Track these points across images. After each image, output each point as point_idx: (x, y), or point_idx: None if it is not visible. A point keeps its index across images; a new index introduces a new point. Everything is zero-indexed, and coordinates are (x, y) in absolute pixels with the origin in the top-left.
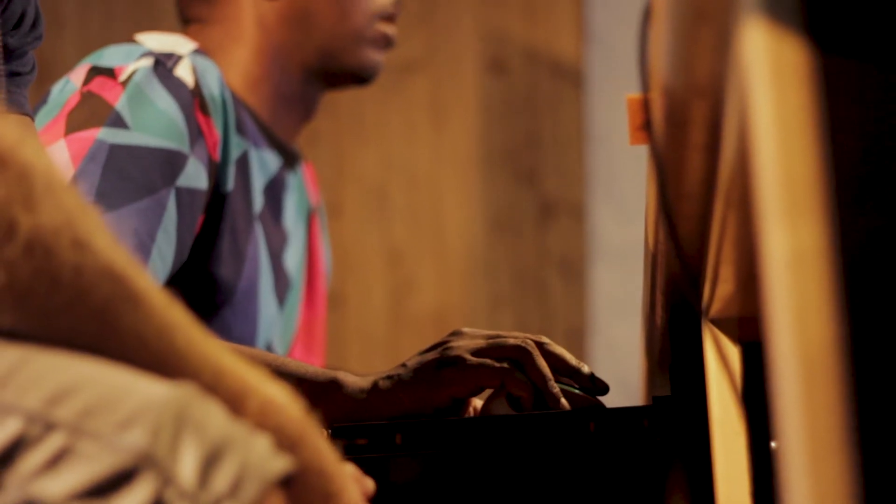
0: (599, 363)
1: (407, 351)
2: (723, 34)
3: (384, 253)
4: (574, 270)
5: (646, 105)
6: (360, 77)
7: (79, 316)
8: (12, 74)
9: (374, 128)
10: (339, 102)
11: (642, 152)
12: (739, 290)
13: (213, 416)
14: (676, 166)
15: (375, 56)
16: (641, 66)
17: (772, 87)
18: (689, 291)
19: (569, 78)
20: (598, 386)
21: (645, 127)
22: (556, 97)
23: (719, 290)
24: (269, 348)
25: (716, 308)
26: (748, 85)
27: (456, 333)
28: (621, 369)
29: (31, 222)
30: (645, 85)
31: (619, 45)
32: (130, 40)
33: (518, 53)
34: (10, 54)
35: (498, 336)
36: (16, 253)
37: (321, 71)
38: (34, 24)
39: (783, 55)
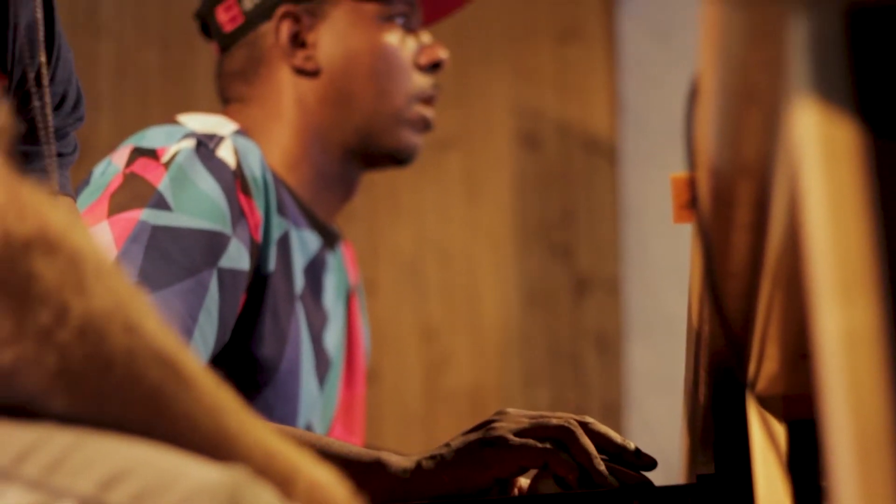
0: (636, 439)
1: (442, 427)
2: (771, 114)
3: (419, 329)
4: (609, 345)
5: (691, 184)
6: (398, 159)
7: (130, 399)
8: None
9: (408, 204)
10: (374, 178)
11: (677, 227)
12: (786, 368)
13: (265, 498)
14: (722, 245)
15: (414, 138)
16: (687, 144)
17: (823, 168)
18: (734, 369)
19: (602, 152)
20: (644, 461)
21: (690, 205)
22: (589, 171)
23: (765, 368)
24: (309, 428)
25: (761, 386)
26: (799, 165)
27: (499, 414)
28: (658, 445)
29: (82, 307)
30: (690, 163)
31: (653, 119)
32: (172, 121)
33: (551, 128)
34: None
35: (541, 416)
36: (68, 337)
37: (360, 152)
38: (76, 105)
39: (834, 135)
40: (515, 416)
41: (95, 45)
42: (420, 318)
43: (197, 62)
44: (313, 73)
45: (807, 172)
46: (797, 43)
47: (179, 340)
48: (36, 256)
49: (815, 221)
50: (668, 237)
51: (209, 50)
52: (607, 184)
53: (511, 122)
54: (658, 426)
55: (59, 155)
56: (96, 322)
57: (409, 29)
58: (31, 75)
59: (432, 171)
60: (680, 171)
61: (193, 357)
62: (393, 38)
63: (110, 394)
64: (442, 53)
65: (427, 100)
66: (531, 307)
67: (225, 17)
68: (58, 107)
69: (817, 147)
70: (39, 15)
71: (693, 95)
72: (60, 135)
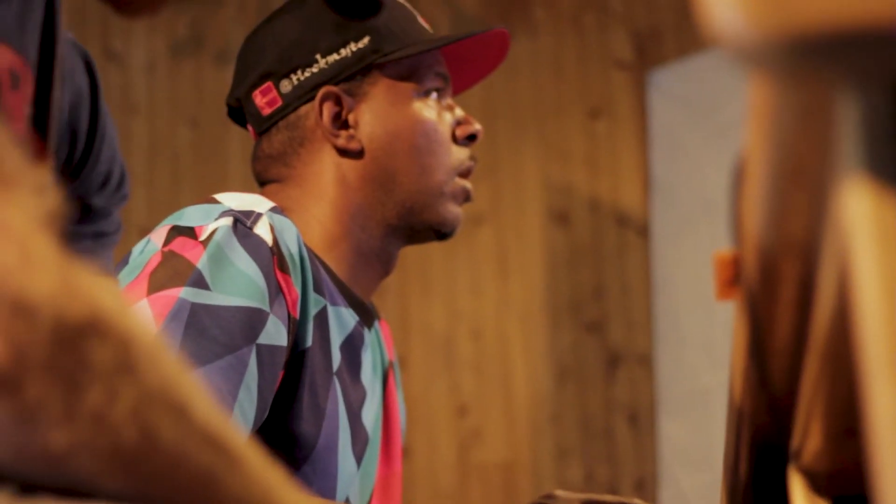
0: None
1: (474, 502)
2: (820, 192)
3: (451, 404)
4: (642, 420)
5: (735, 261)
6: (441, 232)
7: (181, 481)
8: (99, 234)
9: (439, 279)
10: (406, 254)
11: (708, 301)
12: (831, 444)
13: None
14: (767, 322)
15: (456, 210)
16: (731, 222)
17: (875, 247)
18: (776, 445)
19: (633, 227)
20: None
21: (733, 283)
22: (621, 246)
23: (809, 444)
24: None
25: (804, 461)
26: (849, 243)
27: (548, 497)
28: None
29: (134, 389)
30: (735, 241)
31: (684, 194)
32: (210, 199)
33: (582, 204)
34: (97, 214)
35: (592, 499)
36: (120, 420)
37: (402, 227)
38: (119, 185)
39: (886, 214)
40: (566, 499)
41: (129, 123)
42: (452, 393)
43: (229, 141)
44: (357, 153)
45: (857, 251)
46: (847, 121)
47: (227, 420)
48: (88, 340)
49: (867, 300)
50: (700, 311)
51: (239, 128)
52: (638, 258)
53: (542, 198)
54: (691, 501)
55: (103, 234)
56: (147, 404)
57: (444, 102)
58: (77, 154)
59: (464, 246)
60: (719, 248)
61: (241, 435)
62: (431, 113)
63: (161, 475)
64: (477, 126)
65: (466, 172)
66: (563, 382)
67: (262, 101)
68: (101, 186)
69: (868, 226)
70: (85, 92)
71: (738, 173)
72: (104, 214)
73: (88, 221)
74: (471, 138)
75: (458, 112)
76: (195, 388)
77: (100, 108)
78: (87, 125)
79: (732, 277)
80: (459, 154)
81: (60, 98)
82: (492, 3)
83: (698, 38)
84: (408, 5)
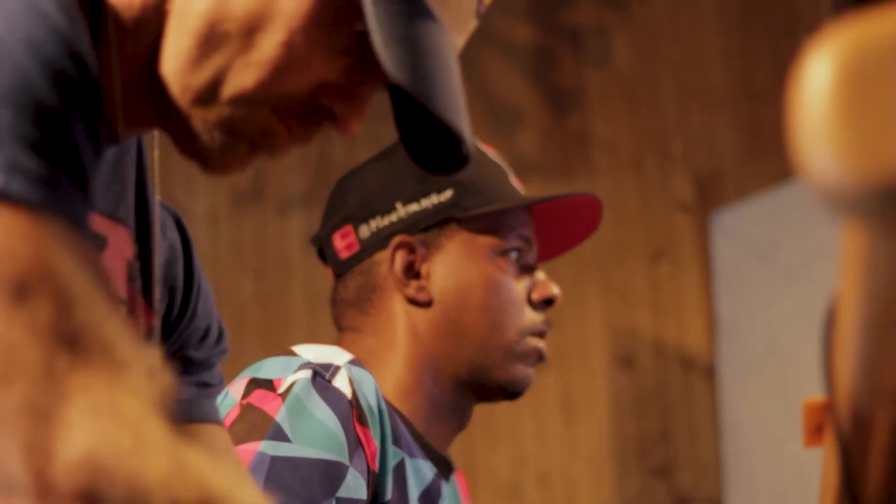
0: None
1: None
2: None
3: None
4: None
5: (824, 408)
6: (510, 392)
7: None
8: (202, 384)
9: (505, 426)
10: None
11: (779, 443)
12: None
13: None
14: (859, 471)
15: (526, 370)
16: (823, 370)
17: None
18: None
19: (699, 370)
20: None
21: (821, 430)
22: (687, 390)
23: None
24: None
25: None
26: None
27: None
28: None
29: None
30: (826, 388)
31: (750, 335)
32: (288, 352)
33: (647, 347)
34: (199, 366)
35: None
36: None
37: (471, 384)
38: (218, 339)
39: None
40: None
41: None
42: None
43: (291, 290)
44: (426, 304)
45: None
46: None
47: None
48: None
49: None
50: (770, 454)
51: (302, 278)
52: (705, 401)
53: (606, 342)
54: None
55: (207, 385)
56: None
57: (524, 264)
58: (175, 309)
59: (529, 392)
60: (791, 390)
61: None
62: (506, 272)
63: None
64: (554, 290)
65: (540, 333)
66: None
67: (341, 244)
68: (202, 339)
69: None
70: (178, 249)
71: (829, 319)
72: (206, 366)
73: (191, 373)
74: (548, 302)
75: (539, 275)
76: None
77: (194, 264)
78: (182, 281)
79: (820, 424)
80: (533, 317)
81: (160, 259)
82: (552, 148)
83: (759, 178)
84: (501, 162)
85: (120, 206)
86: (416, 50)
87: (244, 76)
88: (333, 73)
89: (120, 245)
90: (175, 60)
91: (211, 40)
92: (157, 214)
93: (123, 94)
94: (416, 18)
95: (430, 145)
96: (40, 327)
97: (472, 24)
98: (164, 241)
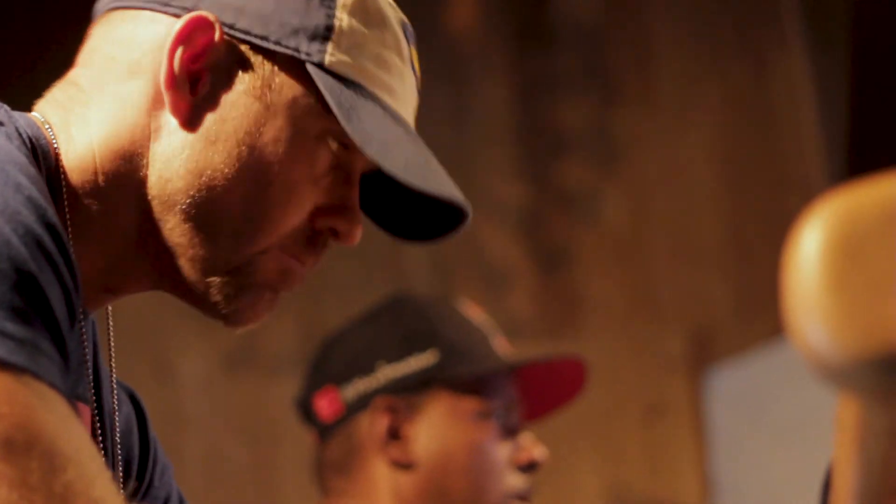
0: None
1: None
2: None
3: None
4: None
5: None
6: None
7: None
8: None
9: None
10: None
11: None
12: None
13: None
14: None
15: None
16: None
17: None
18: None
19: None
20: None
21: None
22: None
23: None
24: None
25: None
26: None
27: None
28: None
29: None
30: None
31: (745, 493)
32: None
33: None
34: None
35: None
36: None
37: None
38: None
39: None
40: None
41: (181, 439)
42: None
43: (283, 457)
44: (409, 467)
45: None
46: None
47: None
48: None
49: None
50: None
51: (295, 443)
52: None
53: (600, 500)
54: None
55: None
56: None
57: (508, 425)
58: (130, 482)
59: None
60: None
61: None
62: (490, 435)
63: None
64: (538, 454)
65: (522, 497)
66: None
67: (324, 405)
68: None
69: None
70: (133, 422)
71: (826, 487)
72: None
73: None
74: (532, 466)
75: (524, 437)
76: None
77: (149, 436)
78: (138, 452)
79: None
80: (516, 480)
81: (114, 432)
82: (543, 307)
83: (753, 334)
84: (484, 324)
85: (79, 384)
86: (394, 141)
87: (247, 235)
88: (322, 196)
89: (83, 423)
90: (172, 235)
91: (202, 214)
92: (112, 390)
93: (107, 267)
94: (383, 117)
95: (415, 222)
96: (30, 486)
97: (416, 101)
98: (119, 416)
